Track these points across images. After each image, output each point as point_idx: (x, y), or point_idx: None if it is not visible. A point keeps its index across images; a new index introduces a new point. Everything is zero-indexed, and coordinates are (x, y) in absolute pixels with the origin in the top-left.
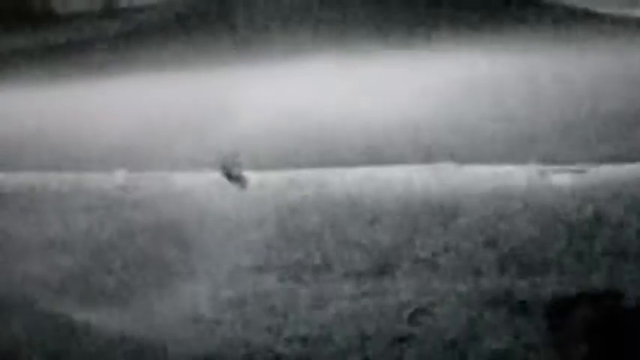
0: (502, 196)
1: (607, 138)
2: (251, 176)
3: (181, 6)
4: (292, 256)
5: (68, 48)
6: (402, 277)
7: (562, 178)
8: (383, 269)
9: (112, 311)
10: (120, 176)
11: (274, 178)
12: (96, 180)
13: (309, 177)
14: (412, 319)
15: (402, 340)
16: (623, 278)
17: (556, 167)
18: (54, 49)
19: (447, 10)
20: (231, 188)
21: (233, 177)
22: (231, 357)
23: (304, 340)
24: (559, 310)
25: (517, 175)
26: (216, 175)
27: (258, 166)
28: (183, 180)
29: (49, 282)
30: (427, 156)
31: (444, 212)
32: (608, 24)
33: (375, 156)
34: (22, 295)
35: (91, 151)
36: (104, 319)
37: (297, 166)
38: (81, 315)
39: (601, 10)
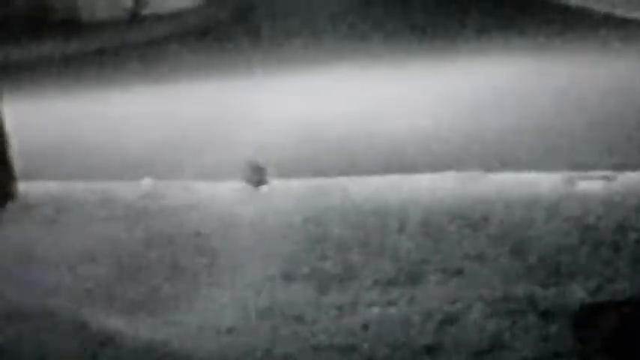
0: (529, 203)
1: (635, 144)
2: (276, 185)
3: (205, 15)
4: (318, 265)
5: (93, 57)
6: (429, 285)
7: (590, 185)
8: (409, 277)
9: (137, 321)
10: (145, 185)
11: (299, 186)
12: (121, 189)
13: (334, 185)
14: (439, 327)
15: (429, 349)
16: None
17: (584, 174)
18: (79, 57)
19: (472, 17)
20: (257, 197)
21: (257, 184)
22: None
23: (331, 348)
24: (586, 318)
25: (544, 183)
26: (242, 184)
27: (283, 175)
28: (209, 189)
29: (74, 292)
30: (453, 164)
31: (470, 220)
32: (636, 29)
33: (401, 164)
34: (48, 305)
35: (115, 160)
36: (130, 329)
37: (323, 174)
38: (107, 325)
39: (630, 15)
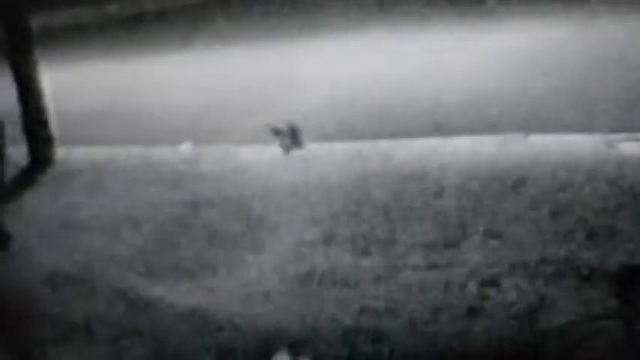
0: (569, 165)
1: None
2: (316, 148)
3: None
4: (359, 229)
5: (134, 22)
6: (469, 248)
7: (630, 146)
8: (449, 241)
9: (179, 286)
10: (186, 150)
11: (340, 150)
12: (162, 154)
13: (374, 149)
14: (479, 290)
15: (469, 311)
16: None
17: (624, 136)
18: (120, 22)
19: None
20: (296, 161)
21: (292, 147)
22: (298, 330)
23: (371, 312)
24: (627, 280)
25: (584, 145)
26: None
27: (323, 138)
28: (249, 153)
29: (116, 256)
30: (493, 126)
31: (510, 183)
32: None
33: (440, 127)
34: (91, 269)
35: (157, 124)
36: (172, 294)
37: (363, 137)
38: (149, 289)
39: None
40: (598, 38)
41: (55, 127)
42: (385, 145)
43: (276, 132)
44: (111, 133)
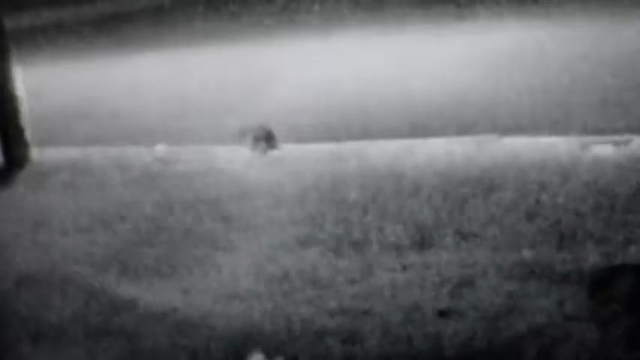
0: (544, 167)
1: None
2: (292, 149)
3: None
4: (334, 230)
5: (108, 22)
6: (444, 250)
7: (604, 149)
8: (424, 242)
9: (153, 286)
10: (160, 150)
11: (315, 150)
12: (137, 154)
13: (350, 149)
14: (454, 292)
15: (443, 313)
16: None
17: (598, 138)
18: (94, 23)
19: None
20: (272, 161)
21: (265, 149)
22: (272, 331)
23: (346, 313)
24: (601, 281)
25: (559, 147)
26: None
27: (298, 139)
28: (224, 154)
29: (90, 257)
30: (468, 128)
31: (485, 184)
32: None
33: (416, 128)
34: (65, 270)
35: (131, 125)
36: (146, 294)
37: (338, 138)
38: (123, 290)
39: None
40: (573, 40)
41: (29, 127)
42: (360, 145)
43: (251, 133)
44: (85, 133)
